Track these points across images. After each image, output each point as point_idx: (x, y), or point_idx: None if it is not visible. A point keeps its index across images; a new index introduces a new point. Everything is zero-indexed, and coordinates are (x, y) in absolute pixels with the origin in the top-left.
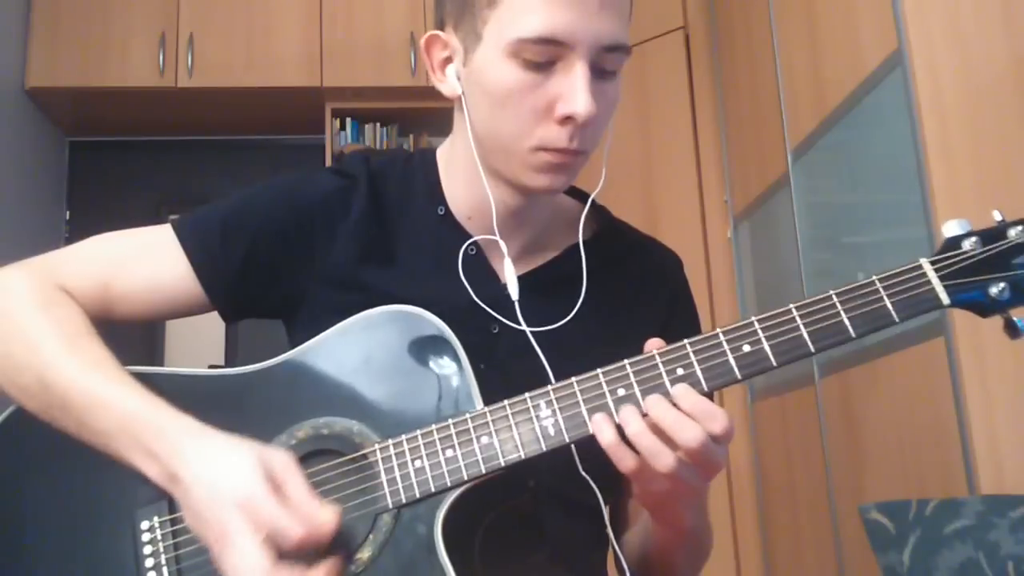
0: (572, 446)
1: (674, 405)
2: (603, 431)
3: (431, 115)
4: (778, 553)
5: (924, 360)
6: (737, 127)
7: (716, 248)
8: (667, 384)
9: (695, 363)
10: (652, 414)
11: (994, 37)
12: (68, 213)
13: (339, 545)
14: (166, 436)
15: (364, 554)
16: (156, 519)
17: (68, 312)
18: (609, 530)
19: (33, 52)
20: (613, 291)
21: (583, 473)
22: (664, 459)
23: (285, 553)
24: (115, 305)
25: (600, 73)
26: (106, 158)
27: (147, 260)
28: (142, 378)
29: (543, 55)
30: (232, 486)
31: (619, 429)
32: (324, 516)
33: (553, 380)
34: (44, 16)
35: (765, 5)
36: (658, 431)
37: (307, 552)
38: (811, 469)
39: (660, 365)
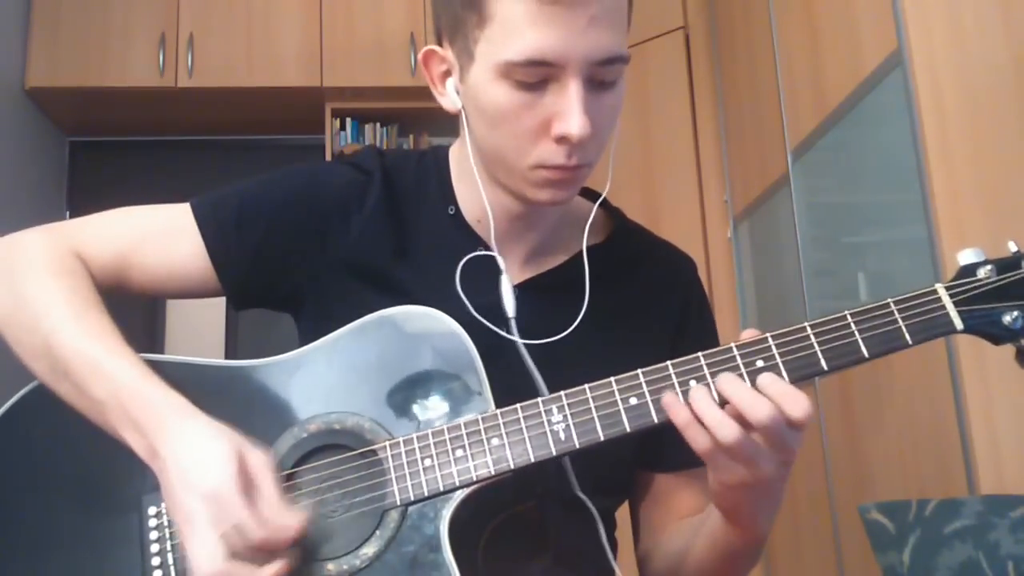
0: (570, 468)
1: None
2: (677, 411)
3: (431, 115)
4: (778, 553)
5: (924, 360)
6: (737, 127)
7: (716, 248)
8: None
9: (708, 376)
10: (725, 392)
11: (994, 37)
12: (68, 213)
13: (302, 548)
14: (154, 411)
15: (370, 549)
16: (163, 505)
17: (80, 282)
18: (605, 542)
19: (33, 52)
20: (622, 297)
21: (579, 494)
22: (729, 431)
23: (242, 551)
24: (130, 278)
25: (598, 85)
26: (106, 158)
27: (165, 239)
28: (157, 366)
29: (534, 76)
30: (203, 475)
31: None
32: (288, 522)
33: (546, 393)
34: (44, 16)
35: (765, 5)
36: (732, 410)
37: (265, 553)
38: (811, 469)
39: (673, 376)
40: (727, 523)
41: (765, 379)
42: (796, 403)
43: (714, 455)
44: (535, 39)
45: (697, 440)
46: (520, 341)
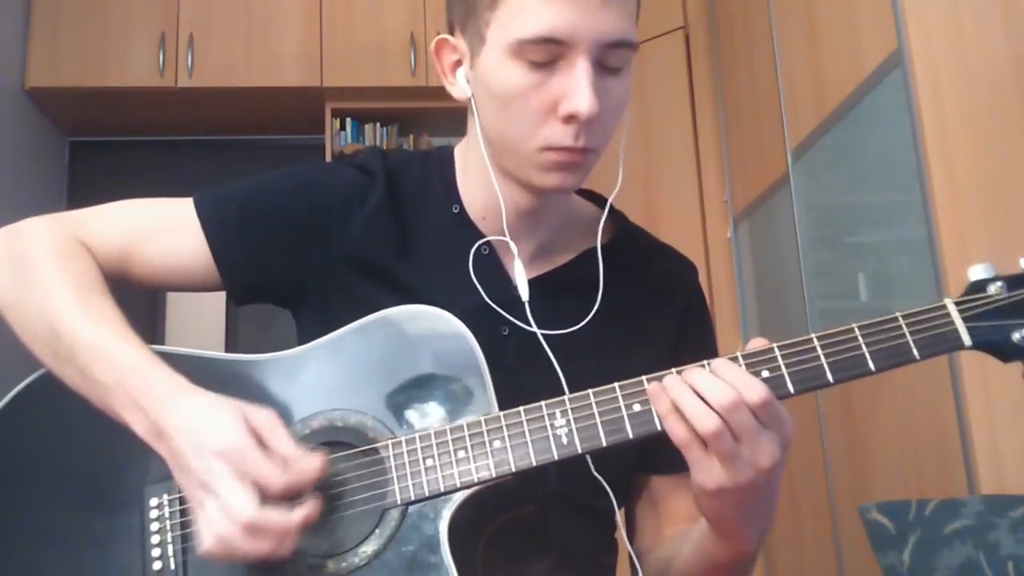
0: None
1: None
2: (660, 400)
3: (431, 115)
4: (778, 553)
5: (924, 361)
6: (737, 127)
7: (716, 248)
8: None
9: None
10: (686, 378)
11: (994, 37)
12: None
13: (325, 488)
14: (158, 392)
15: (369, 548)
16: (165, 497)
17: (85, 267)
18: (623, 530)
19: (33, 52)
20: (625, 298)
21: (596, 474)
22: (706, 420)
23: (268, 499)
24: (131, 270)
25: (605, 70)
26: (106, 158)
27: (168, 234)
28: (165, 357)
29: (545, 54)
30: (215, 436)
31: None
32: (308, 462)
33: (564, 382)
34: (44, 16)
35: (765, 5)
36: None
37: (289, 498)
38: (811, 469)
39: None
40: (713, 533)
41: (724, 368)
42: (752, 390)
43: (691, 447)
44: (547, 16)
45: (676, 431)
46: (539, 332)
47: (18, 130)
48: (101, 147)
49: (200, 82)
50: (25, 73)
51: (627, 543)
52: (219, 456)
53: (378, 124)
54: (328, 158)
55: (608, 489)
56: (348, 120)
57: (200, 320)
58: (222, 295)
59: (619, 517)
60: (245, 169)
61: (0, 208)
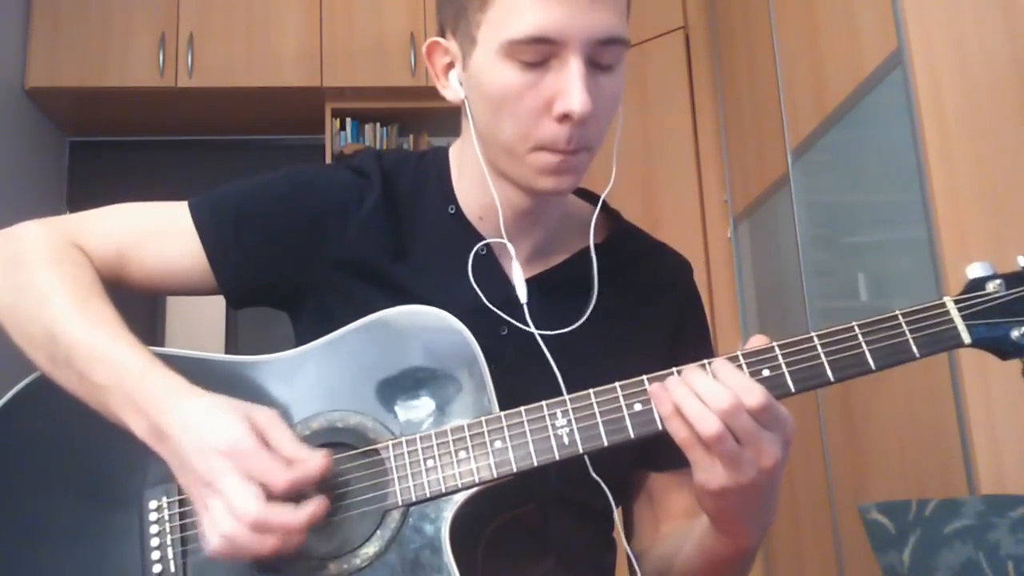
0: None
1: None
2: (662, 401)
3: (431, 115)
4: (778, 553)
5: (924, 360)
6: (737, 127)
7: (716, 248)
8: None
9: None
10: (687, 380)
11: (994, 37)
12: (68, 213)
13: (327, 489)
14: (155, 393)
15: (370, 549)
16: (164, 499)
17: (81, 270)
18: (622, 533)
19: (33, 52)
20: (622, 296)
21: (594, 475)
22: (709, 423)
23: (271, 498)
24: (127, 274)
25: (598, 67)
26: (106, 158)
27: (163, 238)
28: (164, 359)
29: (536, 54)
30: (218, 435)
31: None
32: (311, 461)
33: (562, 383)
34: (44, 16)
35: (765, 5)
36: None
37: (294, 496)
38: (811, 469)
39: None
40: (715, 529)
41: (723, 370)
42: (751, 394)
43: (694, 448)
44: (537, 16)
45: (679, 432)
46: (537, 332)
47: (18, 130)
48: (101, 147)
49: (200, 82)
50: (25, 73)
51: (624, 543)
52: (223, 455)
53: (378, 124)
54: (328, 158)
55: (606, 490)
56: (348, 120)
57: (200, 321)
58: (222, 297)
59: (616, 516)
60: (245, 169)
61: (0, 208)
